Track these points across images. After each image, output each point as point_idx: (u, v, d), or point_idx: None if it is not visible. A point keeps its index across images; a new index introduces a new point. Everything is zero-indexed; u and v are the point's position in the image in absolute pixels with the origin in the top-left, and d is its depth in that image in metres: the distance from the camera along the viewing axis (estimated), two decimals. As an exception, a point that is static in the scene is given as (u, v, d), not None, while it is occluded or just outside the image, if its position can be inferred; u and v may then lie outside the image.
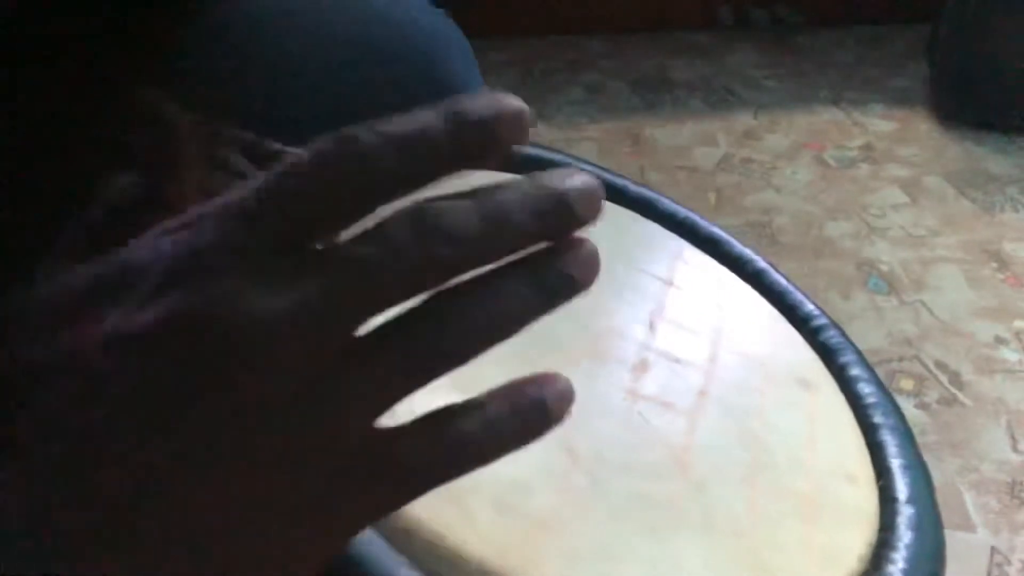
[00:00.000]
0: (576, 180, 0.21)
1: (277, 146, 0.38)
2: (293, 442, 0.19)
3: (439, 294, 0.20)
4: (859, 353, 0.46)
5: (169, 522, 0.19)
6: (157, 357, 0.18)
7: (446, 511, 0.29)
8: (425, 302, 0.20)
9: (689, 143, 1.68)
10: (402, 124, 0.19)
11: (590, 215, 0.20)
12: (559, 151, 0.53)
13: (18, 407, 0.19)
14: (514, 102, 0.20)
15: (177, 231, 0.19)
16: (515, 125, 0.20)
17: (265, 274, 0.18)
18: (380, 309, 0.19)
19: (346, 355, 0.19)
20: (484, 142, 0.20)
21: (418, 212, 0.19)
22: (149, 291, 0.19)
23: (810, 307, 0.48)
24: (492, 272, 0.20)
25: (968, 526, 0.95)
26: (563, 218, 0.20)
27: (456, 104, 0.19)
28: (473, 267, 0.19)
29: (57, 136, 0.36)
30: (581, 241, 0.21)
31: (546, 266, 0.20)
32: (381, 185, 0.19)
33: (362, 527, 0.21)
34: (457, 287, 0.20)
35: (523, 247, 0.20)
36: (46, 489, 0.18)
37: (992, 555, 0.93)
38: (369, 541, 0.28)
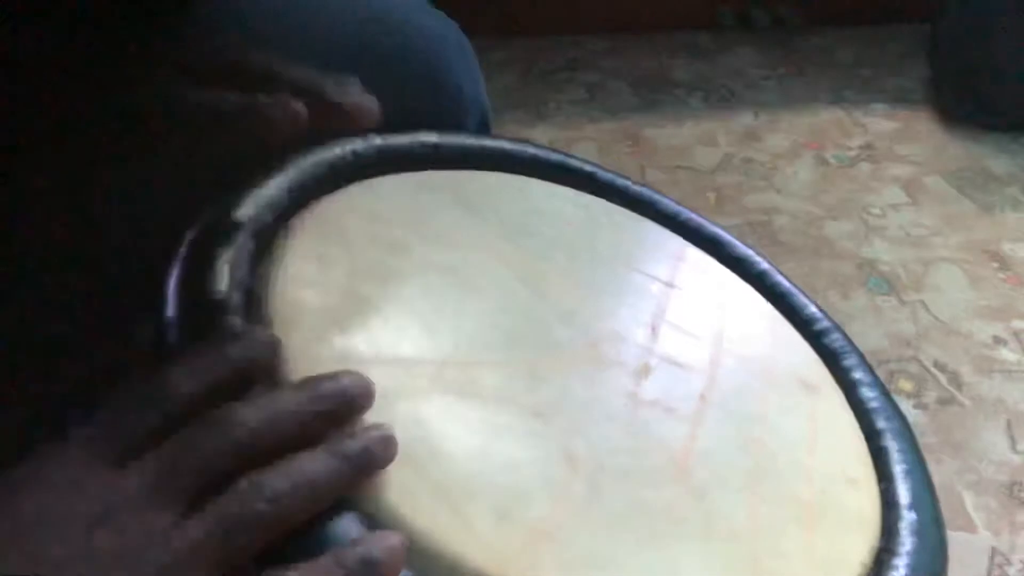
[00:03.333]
0: (350, 378, 0.30)
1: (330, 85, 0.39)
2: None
3: (251, 473, 0.27)
4: (862, 356, 0.46)
5: None
6: None
7: (444, 519, 0.29)
8: (243, 477, 0.27)
9: (689, 143, 1.68)
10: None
11: (367, 403, 0.30)
12: (559, 151, 0.53)
13: None
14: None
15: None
16: None
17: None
18: (210, 468, 0.27)
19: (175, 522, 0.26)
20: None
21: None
22: None
23: (813, 309, 0.48)
24: (304, 451, 0.28)
25: (968, 527, 0.95)
26: (344, 407, 0.29)
27: None
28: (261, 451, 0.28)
29: (73, 109, 0.37)
30: (379, 426, 0.29)
31: (344, 441, 0.28)
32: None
33: None
34: (272, 464, 0.27)
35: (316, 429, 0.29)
36: None
37: (992, 555, 0.92)
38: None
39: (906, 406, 1.09)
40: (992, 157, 1.61)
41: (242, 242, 0.35)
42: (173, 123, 0.37)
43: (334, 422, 0.29)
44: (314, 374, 0.30)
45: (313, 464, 0.27)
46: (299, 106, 0.36)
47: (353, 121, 0.38)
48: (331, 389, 0.29)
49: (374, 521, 0.28)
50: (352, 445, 0.28)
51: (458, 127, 0.55)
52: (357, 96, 0.38)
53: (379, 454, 0.28)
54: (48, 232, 0.43)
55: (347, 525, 0.27)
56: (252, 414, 0.28)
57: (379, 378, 0.31)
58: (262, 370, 0.30)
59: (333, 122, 0.38)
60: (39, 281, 0.43)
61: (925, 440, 1.04)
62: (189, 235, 0.36)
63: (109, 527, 0.26)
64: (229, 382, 0.30)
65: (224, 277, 0.33)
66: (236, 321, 0.32)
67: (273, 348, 0.31)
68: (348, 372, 0.30)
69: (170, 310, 0.32)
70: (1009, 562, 0.92)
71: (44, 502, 0.26)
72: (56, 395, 0.42)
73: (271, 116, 0.36)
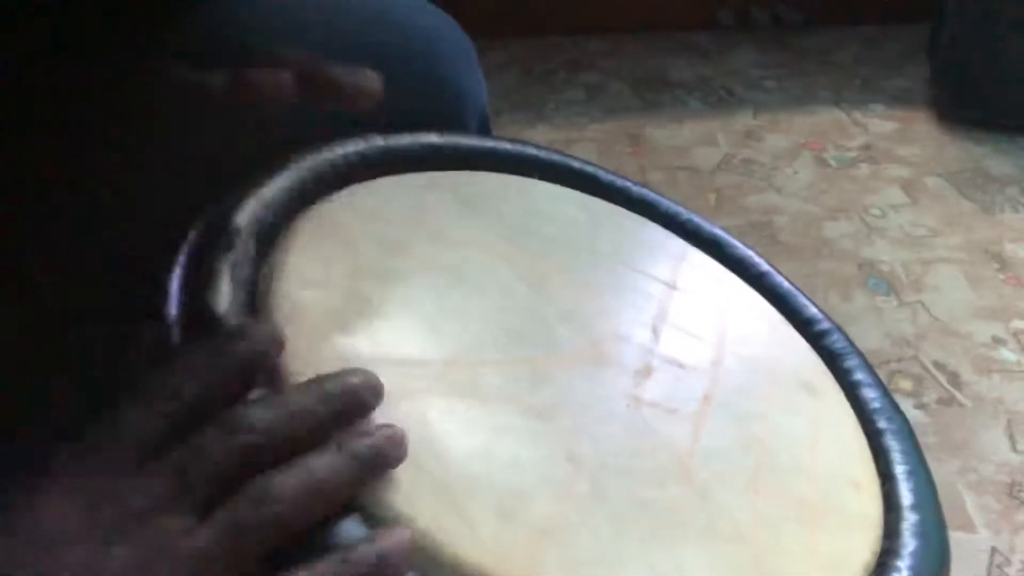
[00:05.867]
0: (358, 376, 0.29)
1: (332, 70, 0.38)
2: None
3: (267, 471, 0.27)
4: (863, 357, 0.46)
5: None
6: None
7: (447, 519, 0.29)
8: (253, 480, 0.27)
9: (689, 143, 1.68)
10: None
11: (375, 402, 0.30)
12: (560, 152, 0.53)
13: None
14: None
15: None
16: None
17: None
18: (220, 473, 0.27)
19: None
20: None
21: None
22: None
23: (814, 311, 0.48)
24: (314, 451, 0.28)
25: (968, 526, 0.95)
26: (352, 406, 0.29)
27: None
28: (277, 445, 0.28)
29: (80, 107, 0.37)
30: (389, 426, 0.29)
31: (354, 440, 0.28)
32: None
33: None
34: (282, 465, 0.27)
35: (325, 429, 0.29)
36: None
37: (992, 555, 0.92)
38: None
39: (906, 406, 1.09)
40: (992, 157, 1.61)
41: (244, 242, 0.35)
42: (162, 103, 0.36)
43: (343, 422, 0.29)
44: (318, 374, 0.30)
45: (323, 465, 0.27)
46: (285, 75, 0.36)
47: (352, 99, 0.37)
48: (340, 388, 0.29)
49: (377, 521, 0.28)
50: (363, 445, 0.28)
51: (459, 127, 0.55)
52: (356, 74, 0.37)
53: (390, 454, 0.28)
54: (49, 231, 0.43)
55: (351, 525, 0.27)
56: (262, 416, 0.28)
57: (382, 378, 0.31)
58: (266, 366, 0.30)
59: (331, 100, 0.37)
60: (39, 282, 0.43)
61: (925, 440, 1.04)
62: (191, 235, 0.36)
63: (125, 537, 0.26)
64: (234, 379, 0.30)
65: (227, 277, 0.33)
66: (238, 318, 0.32)
67: (276, 342, 0.31)
68: (356, 371, 0.30)
69: (173, 310, 0.32)
70: (1009, 562, 0.92)
71: (61, 512, 0.26)
72: (58, 394, 0.42)
73: (257, 83, 0.35)
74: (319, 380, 0.29)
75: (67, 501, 0.26)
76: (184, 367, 0.29)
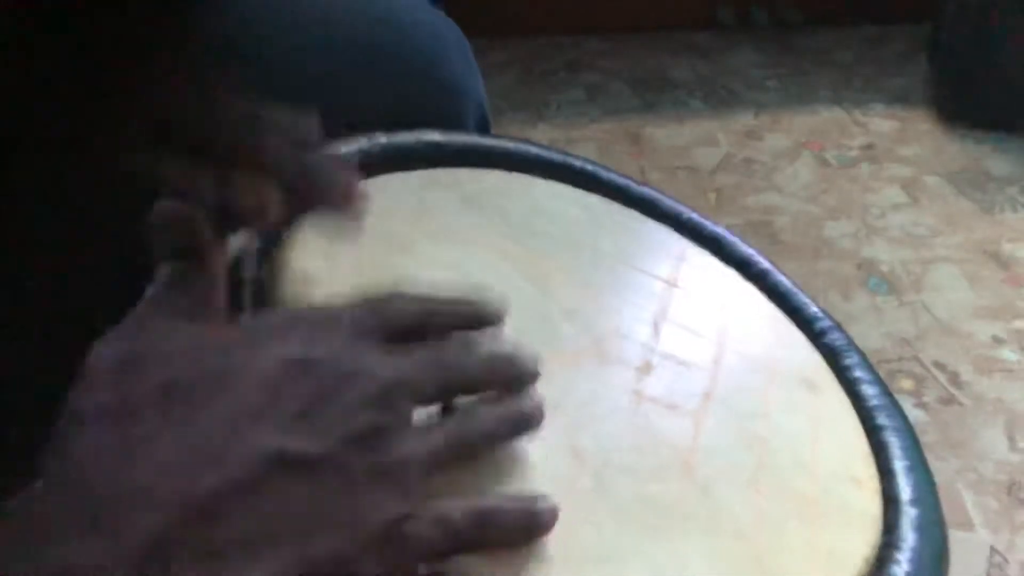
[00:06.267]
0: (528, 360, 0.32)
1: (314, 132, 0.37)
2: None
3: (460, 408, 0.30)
4: (863, 355, 0.46)
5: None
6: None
7: None
8: (454, 413, 0.30)
9: (689, 143, 1.68)
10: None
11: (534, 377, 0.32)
12: (562, 151, 0.53)
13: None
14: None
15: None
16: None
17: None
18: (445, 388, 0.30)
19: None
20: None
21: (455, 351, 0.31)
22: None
23: (814, 309, 0.48)
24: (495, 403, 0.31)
25: (967, 526, 0.96)
26: (520, 378, 0.32)
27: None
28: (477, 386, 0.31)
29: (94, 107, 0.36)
30: (533, 394, 0.32)
31: (516, 402, 0.31)
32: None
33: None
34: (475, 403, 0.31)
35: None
36: None
37: (991, 555, 0.93)
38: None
39: (906, 406, 1.09)
40: (992, 157, 1.62)
41: (249, 240, 0.35)
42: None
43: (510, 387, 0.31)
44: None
45: (494, 413, 0.30)
46: (270, 193, 0.34)
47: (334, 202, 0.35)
48: (523, 362, 0.32)
49: None
50: (522, 407, 0.31)
51: (457, 126, 0.55)
52: (341, 176, 0.35)
53: (536, 421, 0.31)
54: (50, 231, 0.43)
55: None
56: (480, 354, 0.31)
57: None
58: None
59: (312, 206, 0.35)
60: (40, 281, 0.43)
61: (925, 439, 1.04)
62: None
63: (378, 407, 0.27)
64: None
65: (231, 274, 0.33)
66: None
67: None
68: (529, 355, 0.32)
69: None
70: (1007, 561, 0.92)
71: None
72: (59, 393, 0.42)
73: (243, 198, 0.33)
74: (510, 354, 0.32)
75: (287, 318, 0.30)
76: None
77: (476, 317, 0.32)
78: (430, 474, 0.28)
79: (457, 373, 0.30)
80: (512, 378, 0.31)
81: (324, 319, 0.29)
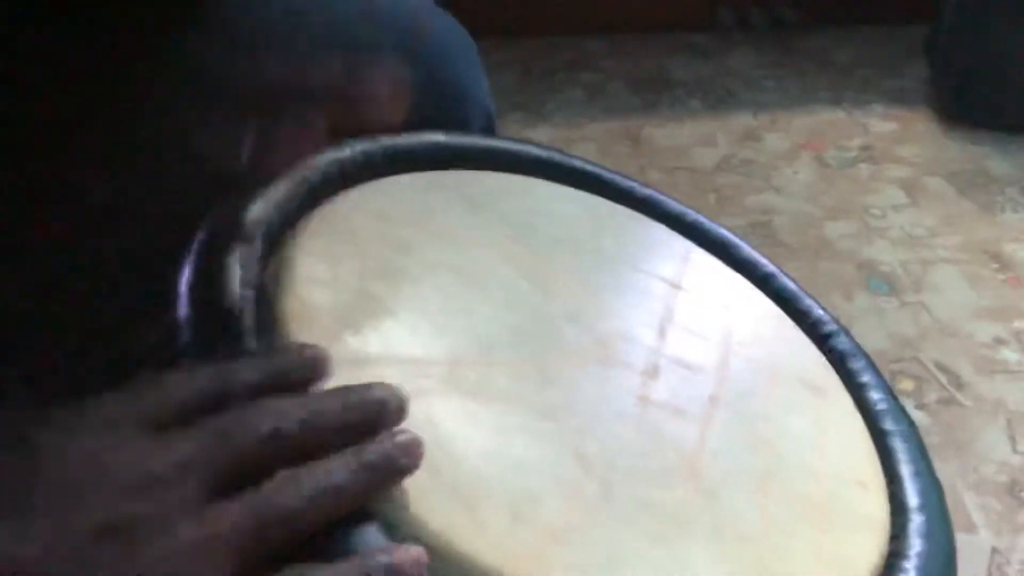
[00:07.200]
0: (386, 392, 0.29)
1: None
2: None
3: (285, 470, 0.27)
4: (869, 359, 0.46)
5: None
6: None
7: (459, 520, 0.29)
8: (282, 471, 0.27)
9: (689, 143, 1.68)
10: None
11: (399, 419, 0.29)
12: (564, 152, 0.53)
13: None
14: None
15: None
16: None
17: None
18: (236, 460, 0.27)
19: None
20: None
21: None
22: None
23: (820, 312, 0.48)
24: (333, 455, 0.28)
25: (968, 527, 0.96)
26: (373, 417, 0.29)
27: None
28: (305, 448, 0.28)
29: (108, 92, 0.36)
30: (404, 432, 0.29)
31: (371, 448, 0.28)
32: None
33: None
34: (302, 465, 0.27)
35: (344, 437, 0.28)
36: None
37: (992, 555, 0.93)
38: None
39: (907, 407, 1.09)
40: (992, 157, 1.62)
41: (252, 242, 0.35)
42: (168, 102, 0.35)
43: (365, 432, 0.29)
44: (329, 374, 0.30)
45: (343, 469, 0.27)
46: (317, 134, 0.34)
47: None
48: (366, 399, 0.29)
49: (388, 521, 0.28)
50: (378, 454, 0.28)
51: (463, 128, 0.55)
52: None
53: (404, 463, 0.28)
54: (51, 231, 0.43)
55: (365, 529, 0.27)
56: (294, 408, 0.28)
57: (391, 378, 0.31)
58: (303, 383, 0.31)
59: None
60: (42, 281, 0.43)
61: (926, 440, 1.04)
62: (199, 235, 0.36)
63: (144, 495, 0.26)
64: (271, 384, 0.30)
65: (235, 277, 0.33)
66: (250, 319, 0.32)
67: (321, 366, 0.31)
68: (385, 386, 0.30)
69: (182, 310, 0.32)
70: (1009, 562, 0.92)
71: (82, 464, 0.26)
72: (59, 393, 0.42)
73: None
74: (346, 388, 0.30)
75: (84, 458, 0.26)
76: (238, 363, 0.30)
77: (285, 368, 0.30)
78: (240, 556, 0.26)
79: (278, 422, 0.28)
80: (360, 421, 0.29)
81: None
